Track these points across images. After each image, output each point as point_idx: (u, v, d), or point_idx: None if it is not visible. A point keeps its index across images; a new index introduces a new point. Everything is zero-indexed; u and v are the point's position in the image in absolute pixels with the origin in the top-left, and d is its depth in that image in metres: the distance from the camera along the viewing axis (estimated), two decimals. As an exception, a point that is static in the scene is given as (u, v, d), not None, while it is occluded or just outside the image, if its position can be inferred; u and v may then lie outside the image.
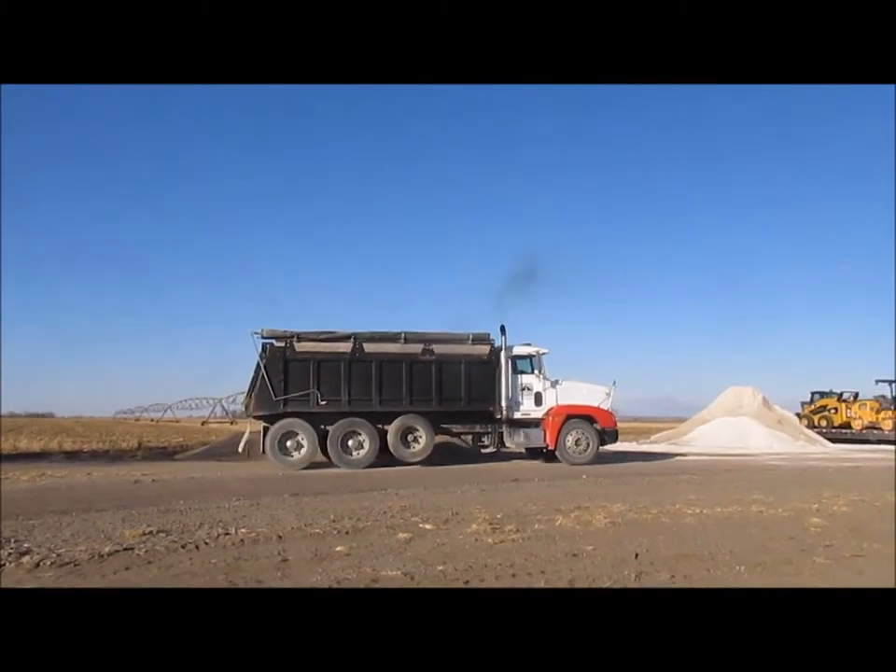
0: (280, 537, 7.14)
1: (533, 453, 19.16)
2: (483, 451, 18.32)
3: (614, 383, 18.89)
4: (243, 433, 18.84)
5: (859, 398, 34.13)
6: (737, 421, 30.76)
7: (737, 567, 5.86)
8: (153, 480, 13.48)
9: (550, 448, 17.93)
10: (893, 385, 33.21)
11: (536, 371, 18.21)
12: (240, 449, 17.80)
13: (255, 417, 16.76)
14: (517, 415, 17.93)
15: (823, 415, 34.63)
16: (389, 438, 16.76)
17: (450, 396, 17.22)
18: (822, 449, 28.71)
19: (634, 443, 31.39)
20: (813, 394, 36.53)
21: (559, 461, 17.97)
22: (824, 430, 33.51)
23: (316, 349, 16.62)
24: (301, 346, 16.53)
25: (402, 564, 5.89)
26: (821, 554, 6.42)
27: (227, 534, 7.27)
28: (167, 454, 22.59)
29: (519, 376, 18.06)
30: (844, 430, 33.37)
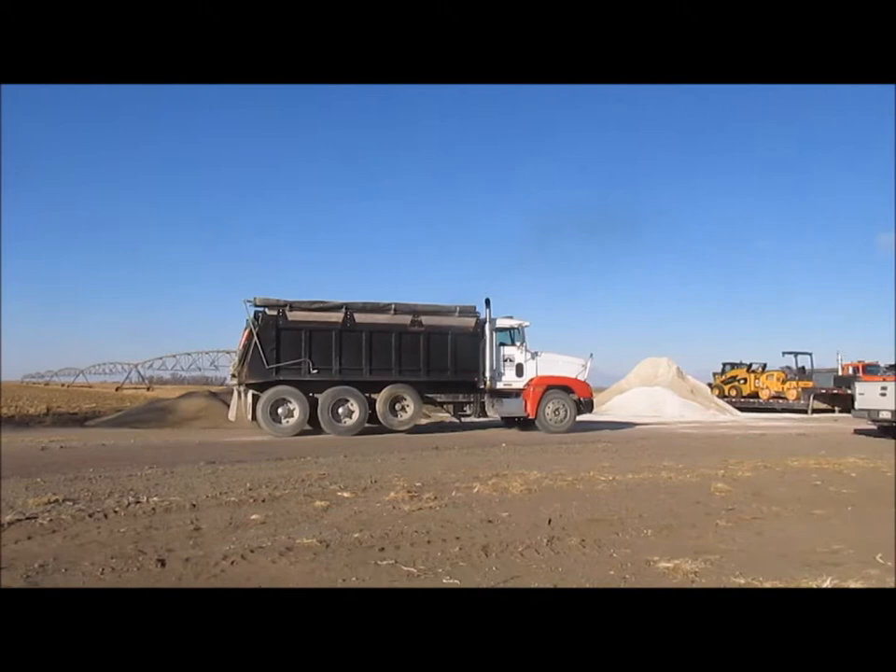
0: (194, 505, 7.02)
1: (509, 421, 19.66)
2: (463, 419, 18.86)
3: (591, 355, 19.60)
4: (159, 397, 18.39)
5: (766, 368, 35.73)
6: (652, 390, 31.71)
7: (645, 531, 6.10)
8: (61, 447, 13.03)
9: (530, 417, 18.50)
10: (798, 356, 34.91)
11: (518, 343, 18.77)
12: (231, 417, 17.66)
13: (247, 385, 16.66)
14: (499, 385, 18.49)
15: (733, 385, 36.13)
16: (378, 406, 17.13)
17: (437, 366, 17.67)
18: (732, 417, 29.97)
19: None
20: (724, 365, 38.03)
21: (535, 430, 18.55)
22: (734, 399, 34.96)
23: (308, 318, 16.78)
24: (293, 315, 16.67)
25: (318, 532, 5.87)
26: (724, 517, 6.74)
27: (138, 503, 7.10)
28: (78, 420, 21.88)
29: (502, 348, 18.62)
30: (752, 399, 34.90)
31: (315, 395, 16.77)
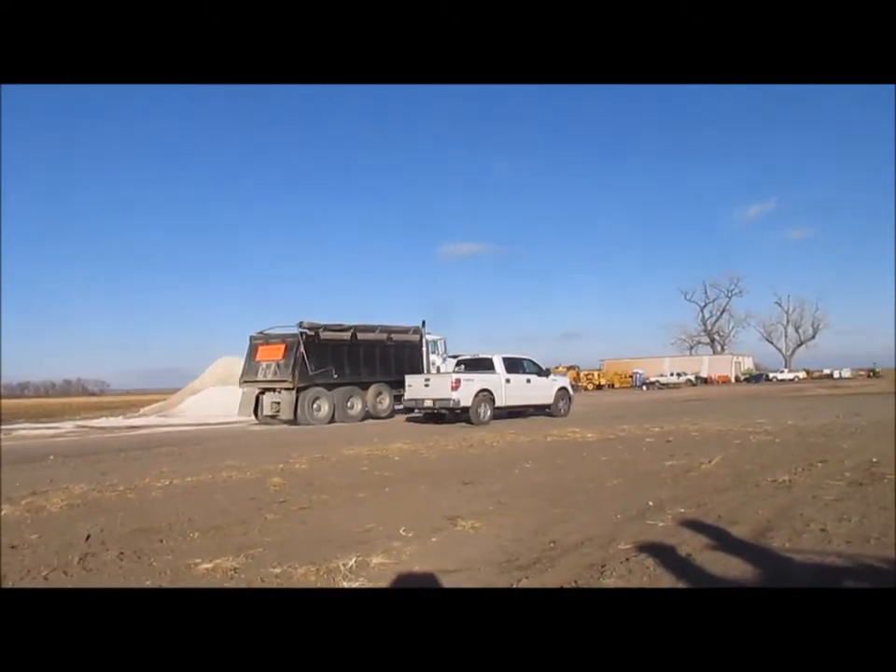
0: None
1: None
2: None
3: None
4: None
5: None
6: (227, 390, 31.58)
7: (192, 534, 6.00)
8: None
9: None
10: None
11: (439, 351, 26.76)
12: (247, 414, 23.61)
13: (298, 388, 21.70)
14: None
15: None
16: (368, 399, 23.44)
17: (399, 369, 23.86)
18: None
19: (120, 418, 30.00)
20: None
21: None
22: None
23: (332, 337, 22.95)
24: (324, 335, 22.71)
25: None
26: (275, 511, 6.97)
27: None
28: None
29: (431, 355, 26.12)
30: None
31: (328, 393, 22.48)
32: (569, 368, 70.98)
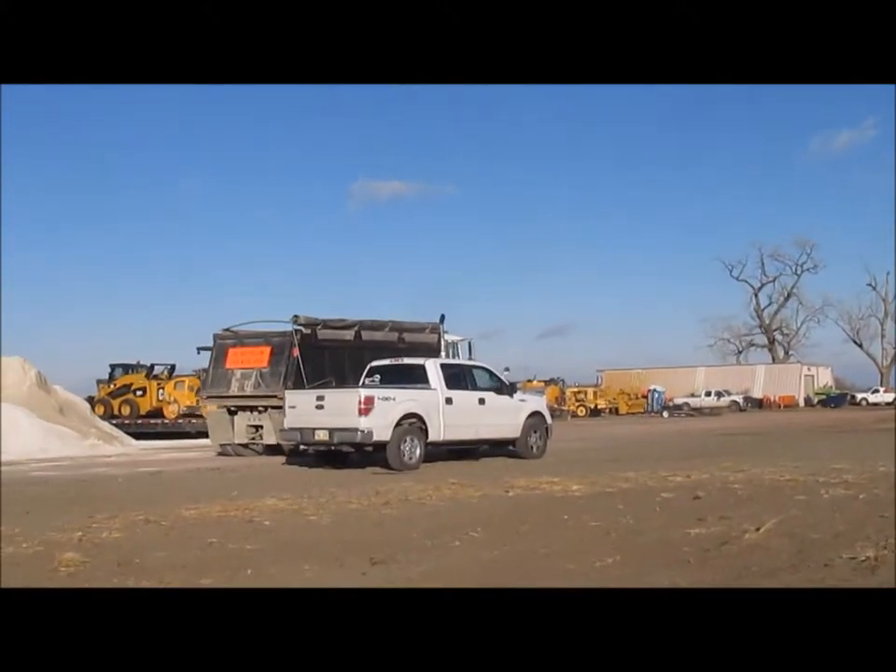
0: None
1: None
2: None
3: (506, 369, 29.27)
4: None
5: (176, 373, 37.61)
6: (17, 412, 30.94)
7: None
8: None
9: None
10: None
11: (459, 355, 30.49)
12: (228, 440, 25.92)
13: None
14: None
15: (126, 399, 37.18)
16: None
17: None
18: (121, 449, 30.90)
19: None
20: (113, 367, 38.92)
21: None
22: (128, 421, 36.02)
23: (332, 336, 26.48)
24: (322, 333, 25.96)
25: None
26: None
27: None
28: None
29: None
30: (155, 420, 36.41)
31: None
32: (549, 382, 71.66)
